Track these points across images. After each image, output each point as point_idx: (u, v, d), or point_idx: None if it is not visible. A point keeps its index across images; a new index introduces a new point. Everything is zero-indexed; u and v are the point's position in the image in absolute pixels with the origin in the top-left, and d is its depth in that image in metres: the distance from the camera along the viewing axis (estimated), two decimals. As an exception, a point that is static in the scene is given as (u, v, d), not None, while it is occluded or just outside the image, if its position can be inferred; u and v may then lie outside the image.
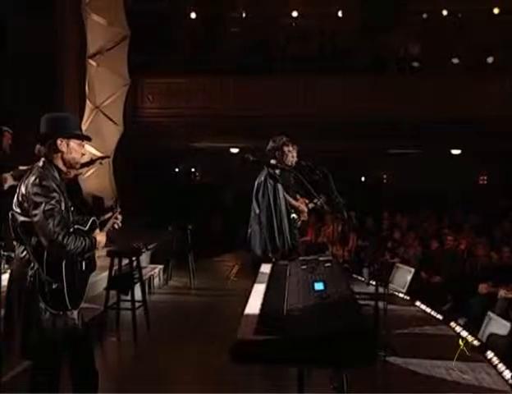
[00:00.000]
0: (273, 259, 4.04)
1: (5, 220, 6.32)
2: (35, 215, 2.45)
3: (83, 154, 2.72)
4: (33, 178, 2.51)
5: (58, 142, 2.60)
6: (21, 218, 2.52)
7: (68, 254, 2.49)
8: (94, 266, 2.81)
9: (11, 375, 3.53)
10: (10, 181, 6.06)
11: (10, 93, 8.27)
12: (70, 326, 2.61)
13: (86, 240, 2.56)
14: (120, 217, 2.95)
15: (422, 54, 11.11)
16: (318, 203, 4.28)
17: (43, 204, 2.45)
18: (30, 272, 2.51)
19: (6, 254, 6.06)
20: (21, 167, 5.58)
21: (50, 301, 2.51)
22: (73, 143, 2.63)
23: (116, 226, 2.94)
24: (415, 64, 10.99)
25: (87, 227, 2.71)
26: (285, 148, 4.55)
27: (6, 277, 5.56)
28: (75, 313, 2.65)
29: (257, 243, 4.41)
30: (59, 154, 2.61)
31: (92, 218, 2.78)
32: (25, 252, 2.55)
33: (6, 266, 5.81)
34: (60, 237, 2.44)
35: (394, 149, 13.08)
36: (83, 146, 2.71)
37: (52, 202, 2.47)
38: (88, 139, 2.77)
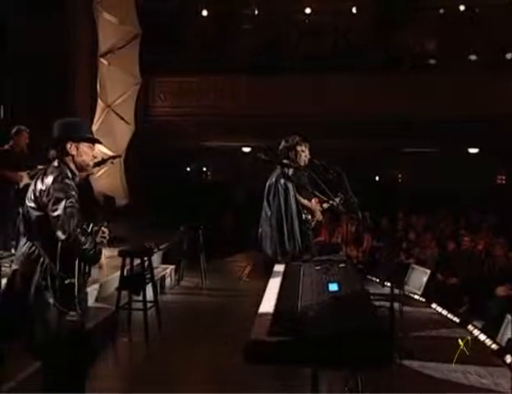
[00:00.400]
0: (283, 261, 4.04)
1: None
2: (55, 210, 2.54)
3: (94, 157, 2.82)
4: (53, 175, 2.62)
5: (68, 145, 2.72)
6: (36, 213, 2.61)
7: (83, 249, 2.56)
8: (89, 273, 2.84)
9: (22, 377, 3.58)
10: (26, 180, 6.15)
11: (12, 93, 8.36)
12: (75, 325, 2.66)
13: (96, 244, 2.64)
14: (106, 230, 2.79)
15: (438, 51, 11.02)
16: (335, 203, 4.26)
17: (64, 201, 2.55)
18: (40, 268, 2.57)
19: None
20: (39, 167, 5.66)
21: (60, 297, 2.57)
22: (83, 146, 2.75)
23: (103, 240, 2.78)
24: (431, 61, 10.90)
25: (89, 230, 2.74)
26: (299, 148, 4.55)
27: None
28: (80, 313, 2.69)
29: (267, 244, 4.45)
30: (70, 157, 2.73)
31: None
32: (33, 248, 2.61)
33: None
34: (79, 235, 2.53)
35: (409, 148, 12.99)
36: (93, 149, 2.81)
37: (72, 200, 2.58)
38: (97, 141, 2.86)
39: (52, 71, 8.82)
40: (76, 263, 2.60)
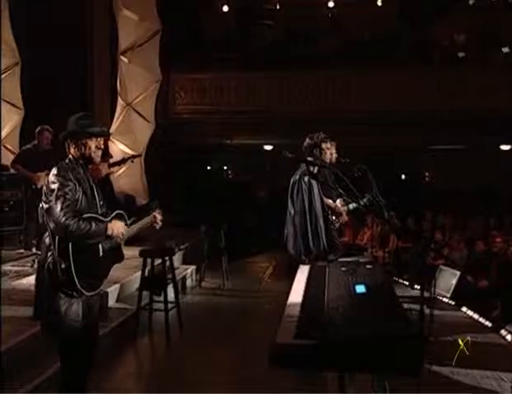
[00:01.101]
0: (307, 261, 4.02)
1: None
2: (50, 201, 2.78)
3: (98, 148, 2.95)
4: (53, 170, 2.86)
5: (68, 141, 2.95)
6: (45, 205, 2.83)
7: (71, 235, 2.73)
8: (119, 257, 3.08)
9: (42, 379, 3.65)
10: (43, 180, 6.25)
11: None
12: (84, 310, 2.86)
13: (92, 224, 2.79)
14: (159, 217, 3.24)
15: (468, 43, 10.80)
16: (362, 203, 4.21)
17: (56, 190, 2.77)
18: (49, 255, 2.84)
19: (39, 252, 6.27)
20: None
21: (63, 283, 2.78)
22: (89, 140, 2.92)
23: (156, 226, 3.24)
24: (461, 54, 10.70)
25: (108, 218, 2.95)
26: (324, 145, 4.51)
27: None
28: (91, 297, 2.90)
29: (291, 244, 4.43)
30: (78, 152, 2.94)
31: (117, 211, 3.05)
32: (48, 238, 2.87)
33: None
34: (63, 219, 2.71)
35: (437, 145, 12.77)
36: (99, 142, 2.95)
37: (65, 189, 2.78)
38: (97, 135, 2.95)
39: (72, 71, 8.98)
40: (70, 247, 2.75)
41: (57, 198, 2.75)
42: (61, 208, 2.72)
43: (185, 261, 7.86)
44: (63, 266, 2.75)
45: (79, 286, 2.76)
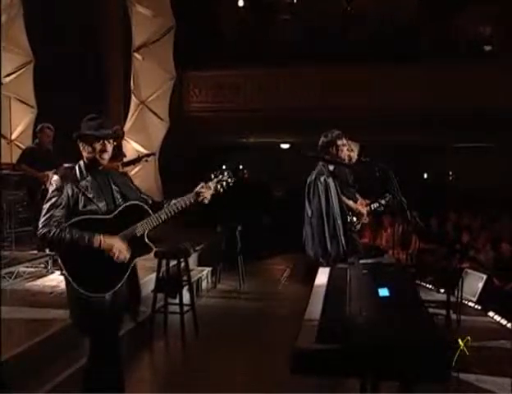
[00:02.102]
0: (325, 264, 4.00)
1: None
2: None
3: (102, 151, 2.97)
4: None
5: (80, 144, 3.02)
6: None
7: (50, 245, 2.91)
8: (144, 249, 3.07)
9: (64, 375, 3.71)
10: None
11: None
12: (96, 309, 2.91)
13: (74, 235, 2.82)
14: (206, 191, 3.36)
15: (495, 36, 10.64)
16: (383, 202, 4.17)
17: (46, 198, 2.91)
18: None
19: (52, 253, 6.34)
20: (66, 165, 5.79)
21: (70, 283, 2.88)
22: (94, 142, 2.96)
23: (205, 201, 3.36)
24: (487, 47, 10.55)
25: (111, 215, 2.97)
26: (339, 142, 4.46)
27: (53, 276, 5.83)
28: (106, 297, 2.93)
29: (309, 246, 4.41)
30: (85, 154, 3.01)
31: (130, 203, 3.08)
32: None
33: (53, 264, 6.08)
34: (40, 229, 2.83)
35: (461, 143, 12.62)
36: (104, 145, 2.97)
37: (53, 199, 2.88)
38: (98, 137, 2.96)
39: (86, 70, 9.07)
40: (59, 255, 2.89)
41: (44, 206, 2.88)
42: (43, 216, 2.84)
43: (201, 263, 7.89)
44: (63, 273, 2.89)
45: (75, 285, 2.85)
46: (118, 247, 2.89)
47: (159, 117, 9.71)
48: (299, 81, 10.62)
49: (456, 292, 5.25)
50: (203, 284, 7.34)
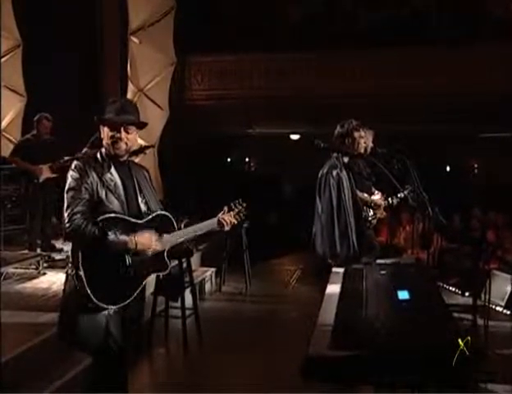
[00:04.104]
0: (334, 264, 3.99)
1: (45, 216, 6.61)
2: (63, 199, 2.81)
3: (115, 141, 2.84)
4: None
5: (101, 129, 2.91)
6: None
7: (79, 239, 2.71)
8: (161, 267, 3.03)
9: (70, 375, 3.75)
10: (46, 173, 6.33)
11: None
12: (100, 322, 2.78)
13: (108, 235, 2.68)
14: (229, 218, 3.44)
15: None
16: (403, 195, 4.15)
17: (67, 188, 2.77)
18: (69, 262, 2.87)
19: (44, 253, 6.38)
20: (66, 158, 5.81)
21: (79, 290, 2.71)
22: (106, 128, 2.87)
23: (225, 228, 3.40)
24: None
25: (143, 221, 2.88)
26: (356, 134, 4.44)
27: (45, 278, 5.86)
28: (111, 311, 2.79)
29: (318, 244, 4.43)
30: (104, 141, 2.91)
31: (160, 212, 3.00)
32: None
33: (45, 265, 6.11)
34: (67, 220, 2.70)
35: (488, 133, 12.51)
36: (114, 134, 2.85)
37: (76, 187, 2.74)
38: (104, 122, 2.88)
39: (79, 55, 9.06)
40: (80, 252, 2.71)
41: (67, 196, 2.74)
42: (68, 207, 2.71)
43: (204, 263, 7.90)
44: (74, 272, 2.72)
45: (93, 297, 2.67)
46: (154, 240, 2.83)
47: (158, 106, 9.70)
48: (310, 66, 10.55)
49: (483, 295, 5.21)
50: (207, 286, 7.35)
